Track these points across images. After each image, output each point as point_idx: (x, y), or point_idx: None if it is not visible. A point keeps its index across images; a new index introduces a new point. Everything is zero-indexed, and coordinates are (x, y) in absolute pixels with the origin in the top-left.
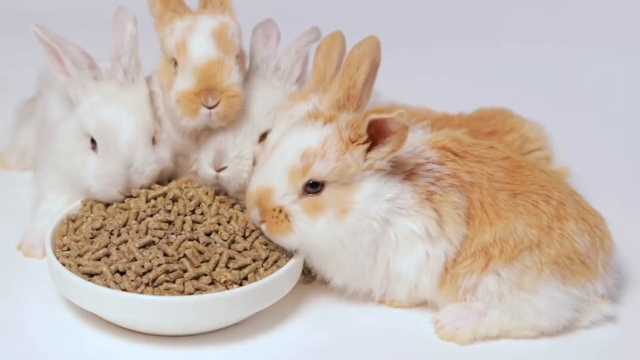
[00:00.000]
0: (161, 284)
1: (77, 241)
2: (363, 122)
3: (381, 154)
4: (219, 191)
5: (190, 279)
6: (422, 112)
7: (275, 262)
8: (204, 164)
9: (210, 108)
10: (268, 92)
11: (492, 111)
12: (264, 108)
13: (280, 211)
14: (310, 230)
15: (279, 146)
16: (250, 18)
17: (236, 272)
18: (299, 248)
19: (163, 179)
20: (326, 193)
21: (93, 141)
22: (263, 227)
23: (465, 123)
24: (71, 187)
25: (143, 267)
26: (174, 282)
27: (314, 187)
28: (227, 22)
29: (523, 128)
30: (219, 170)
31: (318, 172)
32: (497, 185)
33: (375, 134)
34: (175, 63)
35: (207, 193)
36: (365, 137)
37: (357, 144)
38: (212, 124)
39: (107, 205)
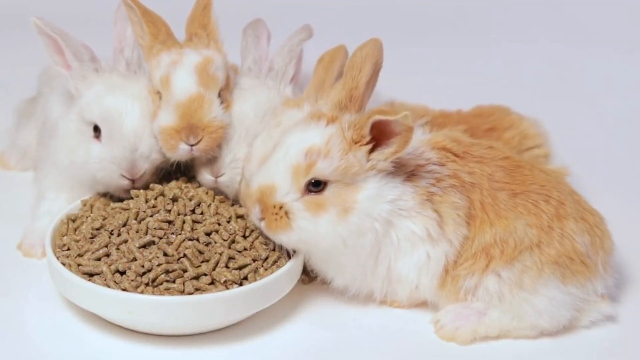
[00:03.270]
0: (161, 283)
1: (77, 241)
2: (366, 122)
3: (384, 155)
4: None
5: (190, 279)
6: (420, 109)
7: (275, 262)
8: (201, 172)
9: (192, 145)
10: (262, 94)
11: (491, 108)
12: (259, 110)
13: (281, 208)
14: (312, 229)
15: (282, 144)
16: (240, 18)
17: (236, 272)
18: (298, 247)
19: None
20: (328, 192)
21: (96, 129)
22: (262, 224)
23: (463, 120)
24: (72, 185)
25: (143, 267)
26: (174, 282)
27: (316, 185)
28: (211, 56)
29: (522, 125)
30: (218, 176)
31: (321, 170)
32: (497, 185)
33: (379, 134)
34: (160, 96)
35: (207, 193)
36: (368, 138)
37: (360, 145)
38: (194, 156)
39: (107, 204)
